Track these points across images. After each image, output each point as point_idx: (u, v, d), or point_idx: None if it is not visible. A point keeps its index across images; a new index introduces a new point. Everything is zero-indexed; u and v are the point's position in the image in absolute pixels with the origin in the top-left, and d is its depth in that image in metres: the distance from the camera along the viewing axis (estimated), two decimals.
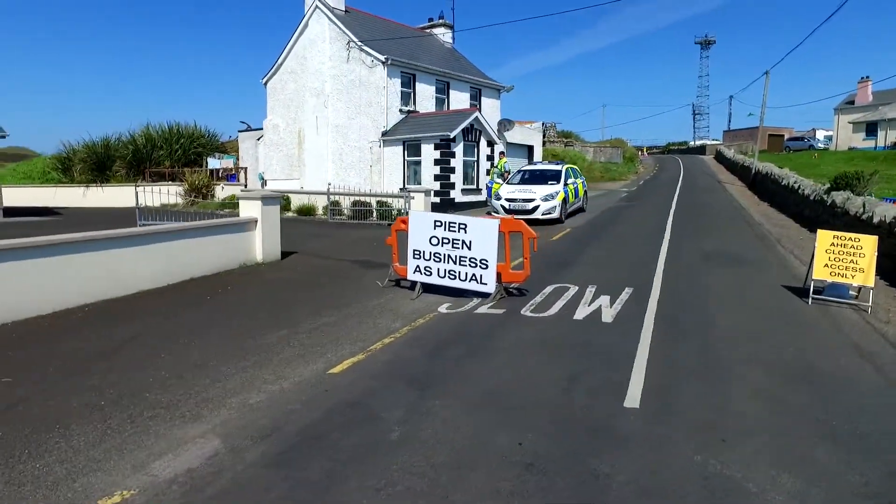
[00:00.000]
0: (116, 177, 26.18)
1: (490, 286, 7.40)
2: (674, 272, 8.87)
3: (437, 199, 18.22)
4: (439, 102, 22.10)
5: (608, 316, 6.43)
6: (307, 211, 19.66)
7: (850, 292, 7.55)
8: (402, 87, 20.35)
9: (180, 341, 5.82)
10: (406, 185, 18.90)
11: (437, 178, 18.31)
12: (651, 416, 3.95)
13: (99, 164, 25.74)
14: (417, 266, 7.88)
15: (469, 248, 7.46)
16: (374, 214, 17.38)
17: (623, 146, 52.24)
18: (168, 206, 24.17)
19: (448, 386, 4.62)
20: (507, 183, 16.27)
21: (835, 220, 13.11)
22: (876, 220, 10.48)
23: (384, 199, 17.44)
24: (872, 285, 7.04)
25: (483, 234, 7.36)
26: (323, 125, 21.68)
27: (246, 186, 25.14)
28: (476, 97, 23.80)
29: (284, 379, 4.89)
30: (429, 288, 7.85)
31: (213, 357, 5.37)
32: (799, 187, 16.82)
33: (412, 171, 19.23)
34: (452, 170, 18.37)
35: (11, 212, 19.63)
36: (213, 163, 27.56)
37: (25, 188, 25.67)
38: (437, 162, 18.25)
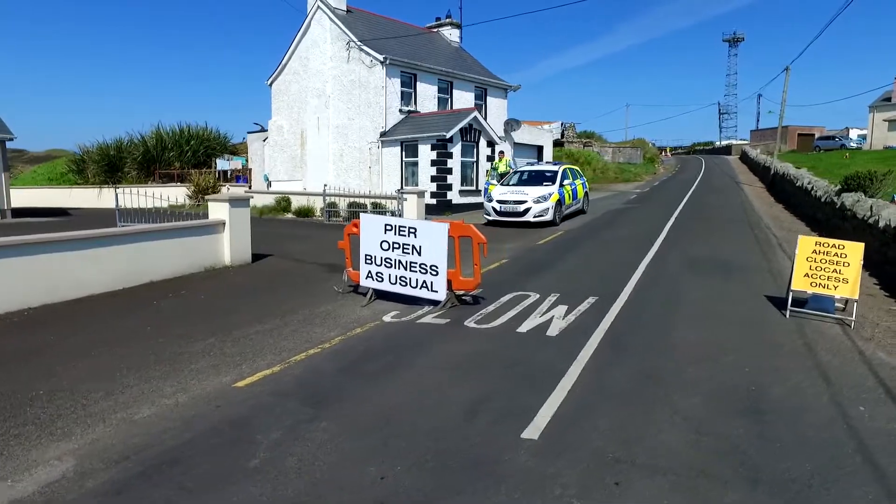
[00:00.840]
0: (128, 178, 26.65)
1: (440, 294, 7.00)
2: (650, 280, 8.30)
3: (434, 201, 17.86)
4: (442, 102, 21.74)
5: (556, 329, 5.95)
6: (305, 212, 19.56)
7: (837, 304, 6.88)
8: (402, 86, 20.06)
9: (99, 348, 5.61)
10: (403, 187, 18.59)
11: (433, 179, 17.94)
12: (547, 449, 3.50)
13: (111, 165, 26.25)
14: (369, 272, 7.54)
15: (419, 254, 7.08)
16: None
17: (644, 147, 50.94)
18: (175, 207, 24.55)
19: (346, 405, 4.25)
20: (502, 184, 15.78)
21: (844, 224, 12.24)
22: (882, 224, 9.68)
23: (378, 201, 17.19)
24: (857, 297, 6.36)
25: (432, 238, 6.96)
26: (324, 126, 21.57)
27: (251, 187, 25.28)
28: (481, 97, 23.33)
29: (185, 392, 4.61)
30: (383, 294, 7.51)
31: (123, 366, 5.13)
32: (812, 188, 15.85)
33: (410, 171, 18.92)
34: (449, 171, 17.97)
35: (20, 213, 20.10)
36: (222, 164, 27.81)
37: (41, 189, 26.37)
38: (433, 163, 17.89)
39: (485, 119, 23.21)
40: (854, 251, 6.53)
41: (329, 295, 7.88)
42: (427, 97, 21.00)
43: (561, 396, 4.26)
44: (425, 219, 17.16)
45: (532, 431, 3.71)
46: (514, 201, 14.17)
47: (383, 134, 19.34)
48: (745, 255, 10.33)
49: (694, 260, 9.81)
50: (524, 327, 6.03)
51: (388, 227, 7.31)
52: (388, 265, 7.36)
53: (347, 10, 21.53)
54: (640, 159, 45.70)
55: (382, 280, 7.44)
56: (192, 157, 27.71)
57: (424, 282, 7.09)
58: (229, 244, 10.01)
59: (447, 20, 25.70)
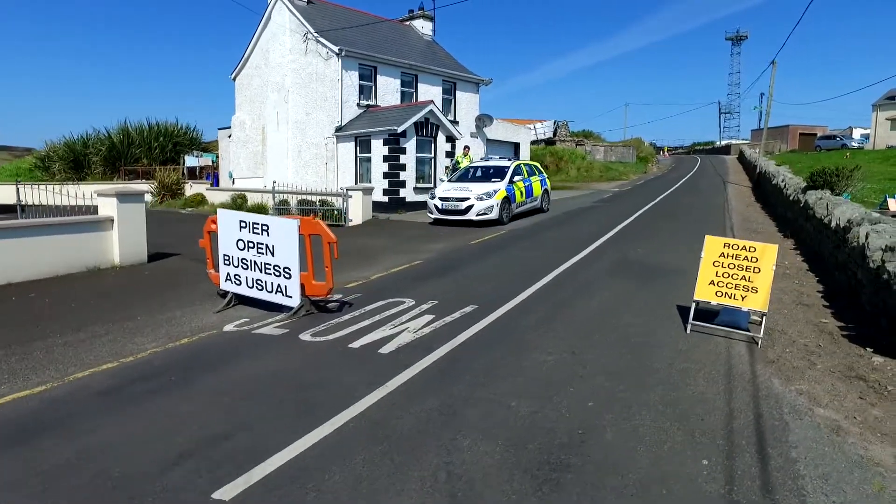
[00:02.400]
0: (94, 174, 26.03)
1: (294, 299, 6.10)
2: (556, 286, 7.33)
3: (386, 199, 16.97)
4: (407, 97, 20.80)
5: (396, 344, 5.02)
6: (258, 210, 18.77)
7: (754, 317, 5.87)
8: (360, 80, 19.17)
9: None
10: (358, 183, 17.72)
11: (386, 175, 17.03)
12: None
13: (76, 161, 25.64)
14: (228, 274, 6.66)
15: (273, 255, 6.18)
16: (319, 214, 16.30)
17: (639, 146, 49.77)
18: None
19: (55, 441, 3.38)
20: (449, 180, 14.84)
21: (807, 224, 11.20)
22: (833, 223, 8.67)
23: (326, 198, 16.33)
24: (766, 310, 5.37)
25: (284, 237, 6.06)
26: (283, 121, 20.75)
27: (213, 184, 24.53)
28: (450, 91, 22.37)
29: None
30: (247, 299, 6.62)
31: None
32: (785, 186, 14.77)
33: (365, 168, 18.03)
34: (402, 167, 17.04)
35: None
36: (191, 161, 27.10)
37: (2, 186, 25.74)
38: (385, 158, 16.98)
39: (454, 114, 22.32)
40: (766, 255, 5.53)
41: (195, 299, 7.03)
42: (389, 91, 20.09)
43: (319, 436, 3.34)
44: (371, 217, 16.31)
45: (232, 489, 2.79)
46: (457, 198, 13.22)
47: (339, 129, 18.47)
48: (684, 257, 9.30)
49: (623, 263, 8.82)
50: (362, 341, 5.11)
51: (243, 224, 6.42)
52: (245, 266, 6.47)
53: (308, 1, 20.69)
54: (633, 158, 44.54)
55: (240, 283, 6.56)
56: (161, 153, 27.02)
57: (279, 286, 6.20)
58: (118, 242, 9.17)
59: (419, 12, 24.79)
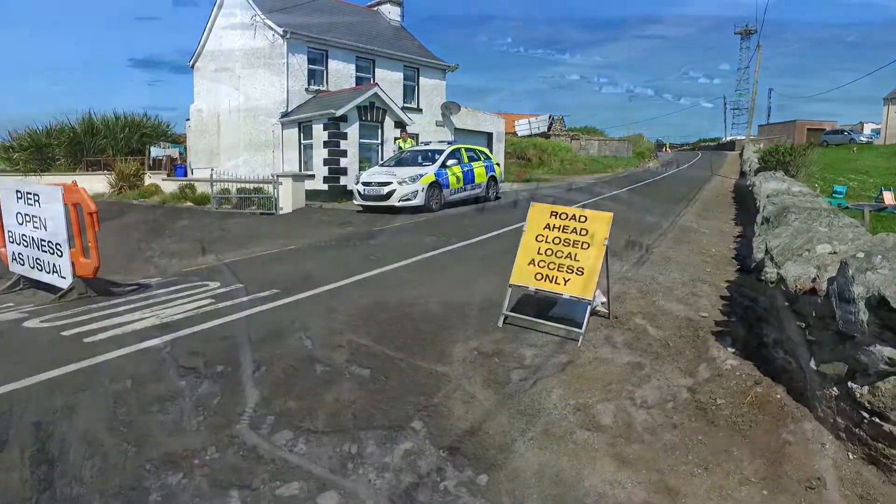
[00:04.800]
0: (57, 165, 25.58)
1: (67, 280, 5.24)
2: (396, 273, 6.36)
3: (326, 187, 16.08)
4: (364, 82, 19.87)
5: (118, 332, 4.12)
6: (203, 200, 18.05)
7: (600, 309, 4.83)
8: (310, 64, 18.29)
9: None
10: (301, 171, 16.87)
11: (326, 162, 16.15)
12: None
13: (40, 152, 25.21)
14: (13, 253, 5.82)
15: (45, 229, 5.33)
16: (255, 202, 15.50)
17: (638, 141, 48.33)
18: (97, 196, 23.32)
19: None
20: (381, 164, 13.88)
21: (753, 207, 10.06)
22: (759, 205, 7.58)
23: (260, 186, 15.52)
24: (591, 298, 4.33)
25: (51, 209, 5.21)
26: (234, 108, 20.00)
27: (183, 175, 23.89)
28: (413, 77, 21.40)
29: None
30: (36, 282, 5.78)
31: None
32: (749, 171, 13.56)
33: (308, 155, 17.17)
34: (343, 153, 16.13)
35: None
36: (157, 151, 26.48)
37: None
38: (325, 144, 16.09)
39: (416, 101, 21.37)
40: (599, 226, 4.49)
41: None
42: (343, 76, 19.19)
43: None
44: (304, 206, 15.43)
45: None
46: (378, 183, 12.24)
47: (284, 115, 17.63)
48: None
49: (511, 249, 7.79)
50: (86, 328, 4.24)
51: (19, 196, 5.58)
52: (26, 244, 5.63)
53: None
54: (629, 153, 43.15)
55: (24, 263, 5.72)
56: (126, 144, 26.48)
57: (55, 265, 5.35)
58: None
59: None
